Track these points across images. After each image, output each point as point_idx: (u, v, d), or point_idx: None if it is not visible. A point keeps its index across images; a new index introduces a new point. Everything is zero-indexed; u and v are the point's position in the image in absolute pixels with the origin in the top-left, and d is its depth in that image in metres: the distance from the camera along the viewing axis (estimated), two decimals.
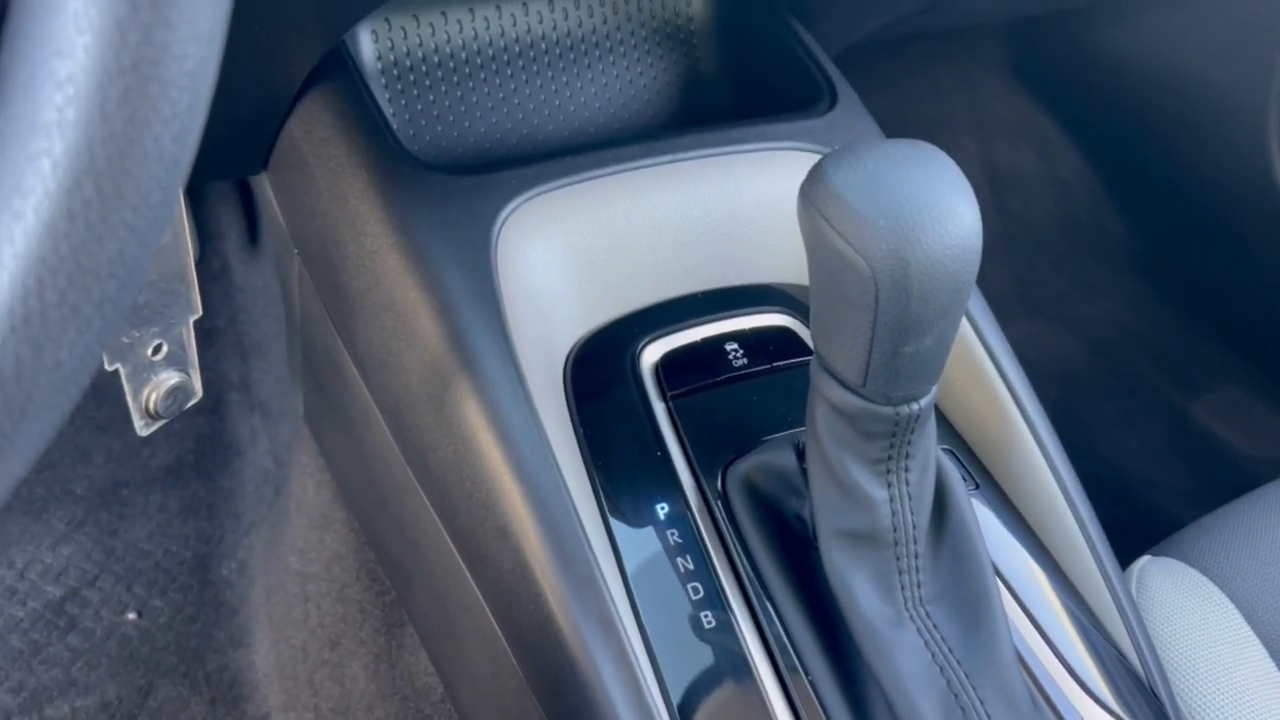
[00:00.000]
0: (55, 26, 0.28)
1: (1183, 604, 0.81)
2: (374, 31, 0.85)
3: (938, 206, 0.53)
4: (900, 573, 0.61)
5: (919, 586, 0.62)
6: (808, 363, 0.71)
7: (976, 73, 1.82)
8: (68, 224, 0.28)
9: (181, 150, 0.30)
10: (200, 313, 0.60)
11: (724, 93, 0.96)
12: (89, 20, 0.27)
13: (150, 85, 0.28)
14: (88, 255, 0.29)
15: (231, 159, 0.86)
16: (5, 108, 0.28)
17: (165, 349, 0.59)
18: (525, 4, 0.91)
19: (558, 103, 0.93)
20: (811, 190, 0.55)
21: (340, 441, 0.99)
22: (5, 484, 0.30)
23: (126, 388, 0.59)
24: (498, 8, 0.90)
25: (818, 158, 0.80)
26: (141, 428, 0.60)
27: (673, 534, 0.66)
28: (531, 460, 0.65)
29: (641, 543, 0.66)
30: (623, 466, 0.68)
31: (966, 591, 0.63)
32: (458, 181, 0.73)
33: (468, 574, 0.72)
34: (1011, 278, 1.74)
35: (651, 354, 0.74)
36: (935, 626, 0.61)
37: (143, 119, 0.28)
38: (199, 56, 0.29)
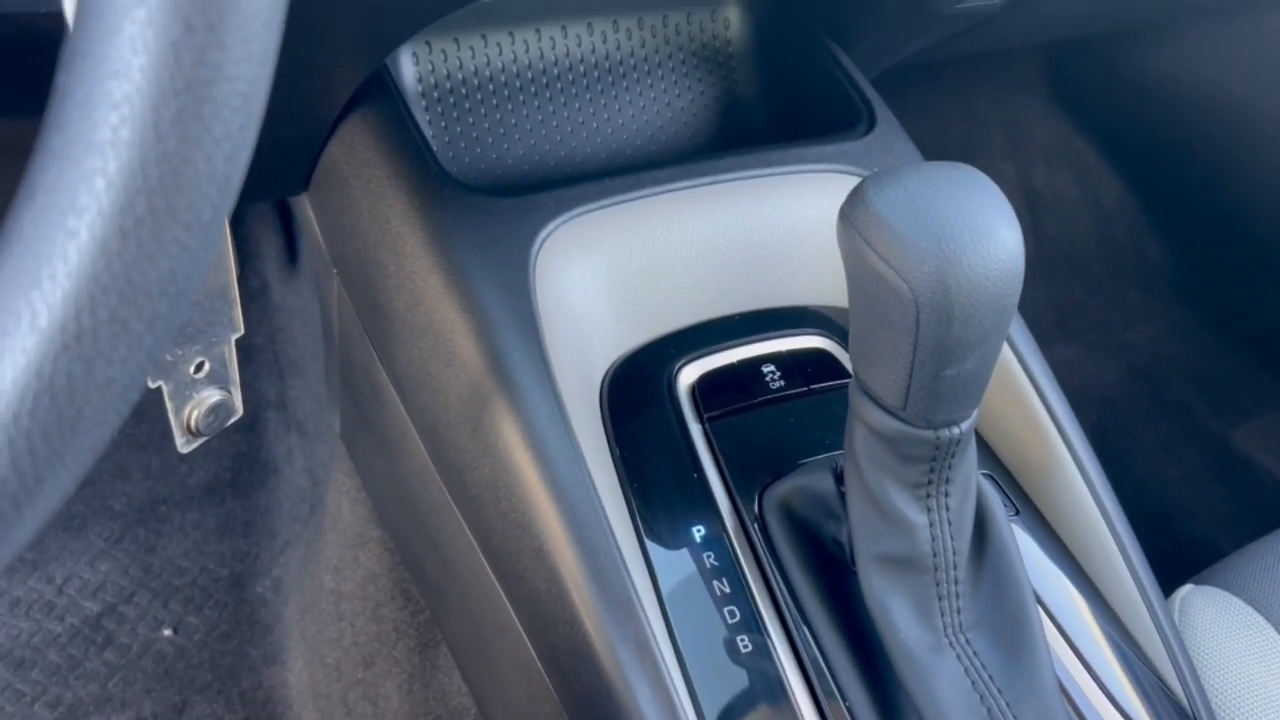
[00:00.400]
0: (112, 48, 0.28)
1: (1227, 633, 0.79)
2: (415, 54, 0.86)
3: (980, 228, 0.53)
4: (940, 598, 0.60)
5: (959, 613, 0.61)
6: (846, 385, 0.71)
7: (1014, 96, 1.81)
8: (121, 242, 0.29)
9: (233, 170, 0.30)
10: (242, 331, 0.60)
11: (762, 115, 0.96)
12: (145, 42, 0.28)
13: (204, 106, 0.29)
14: (140, 273, 0.29)
15: (274, 180, 0.87)
16: (62, 127, 0.29)
17: (207, 367, 0.59)
18: (564, 28, 0.92)
19: (595, 125, 0.93)
20: (852, 212, 0.55)
21: (376, 460, 0.99)
22: (55, 499, 0.30)
23: (169, 405, 0.59)
24: (537, 31, 0.91)
25: (857, 180, 0.80)
26: (183, 445, 0.61)
27: (709, 557, 0.66)
28: (568, 481, 0.65)
29: (677, 565, 0.65)
30: (659, 488, 0.68)
31: (1007, 618, 0.62)
32: (497, 203, 0.74)
33: (503, 594, 0.72)
34: (1050, 302, 1.73)
35: (688, 375, 0.74)
36: (975, 654, 0.61)
37: (196, 139, 0.29)
38: (251, 77, 0.29)
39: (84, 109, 0.28)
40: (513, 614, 0.71)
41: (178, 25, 0.28)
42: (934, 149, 0.86)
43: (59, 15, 0.45)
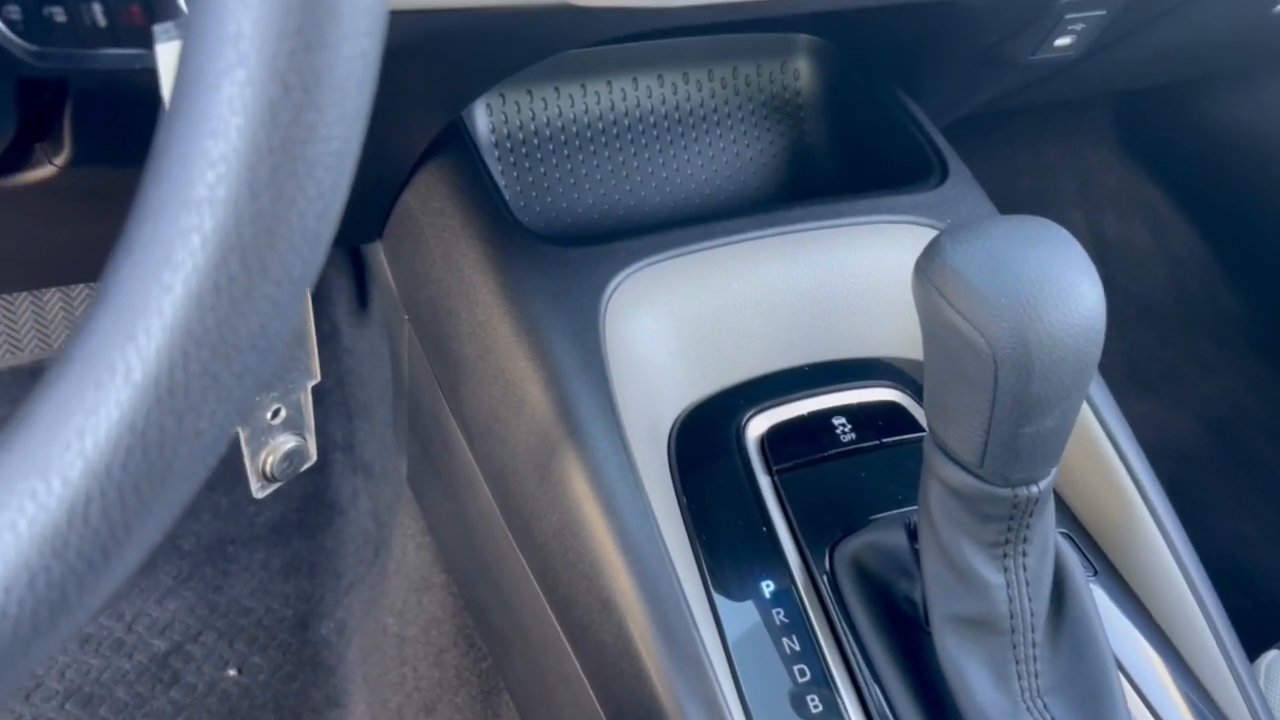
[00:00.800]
0: (210, 108, 0.29)
1: None
2: (488, 106, 0.87)
3: (1060, 284, 0.52)
4: (1017, 662, 0.59)
5: (1036, 676, 0.59)
6: (918, 440, 0.70)
7: (1083, 144, 1.79)
8: (214, 298, 0.29)
9: (324, 227, 0.30)
10: (319, 378, 0.61)
11: (832, 165, 0.96)
12: (243, 103, 0.28)
13: (298, 165, 0.29)
14: (231, 328, 0.29)
15: (349, 227, 0.88)
16: (159, 184, 0.29)
17: (283, 413, 0.60)
18: (635, 79, 0.92)
19: (665, 175, 0.94)
20: (928, 266, 0.54)
21: (442, 505, 1.00)
22: (142, 550, 0.31)
23: (245, 450, 0.60)
24: (608, 83, 0.92)
25: (929, 231, 0.79)
26: (258, 490, 0.62)
27: (778, 613, 0.65)
28: (637, 533, 0.64)
29: (746, 620, 0.64)
30: (727, 541, 0.67)
31: (1086, 683, 0.60)
32: (568, 253, 0.74)
33: (567, 644, 0.71)
34: (1121, 354, 1.70)
35: (757, 426, 0.73)
36: (1054, 719, 0.59)
37: (290, 197, 0.29)
38: (344, 137, 0.30)
39: (181, 166, 0.29)
40: (577, 665, 0.71)
41: (275, 86, 0.28)
42: (1002, 197, 0.86)
43: (152, 72, 0.47)
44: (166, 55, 0.47)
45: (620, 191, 0.92)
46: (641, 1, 0.56)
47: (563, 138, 0.91)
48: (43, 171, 0.67)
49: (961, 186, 0.83)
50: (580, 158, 0.91)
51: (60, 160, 0.66)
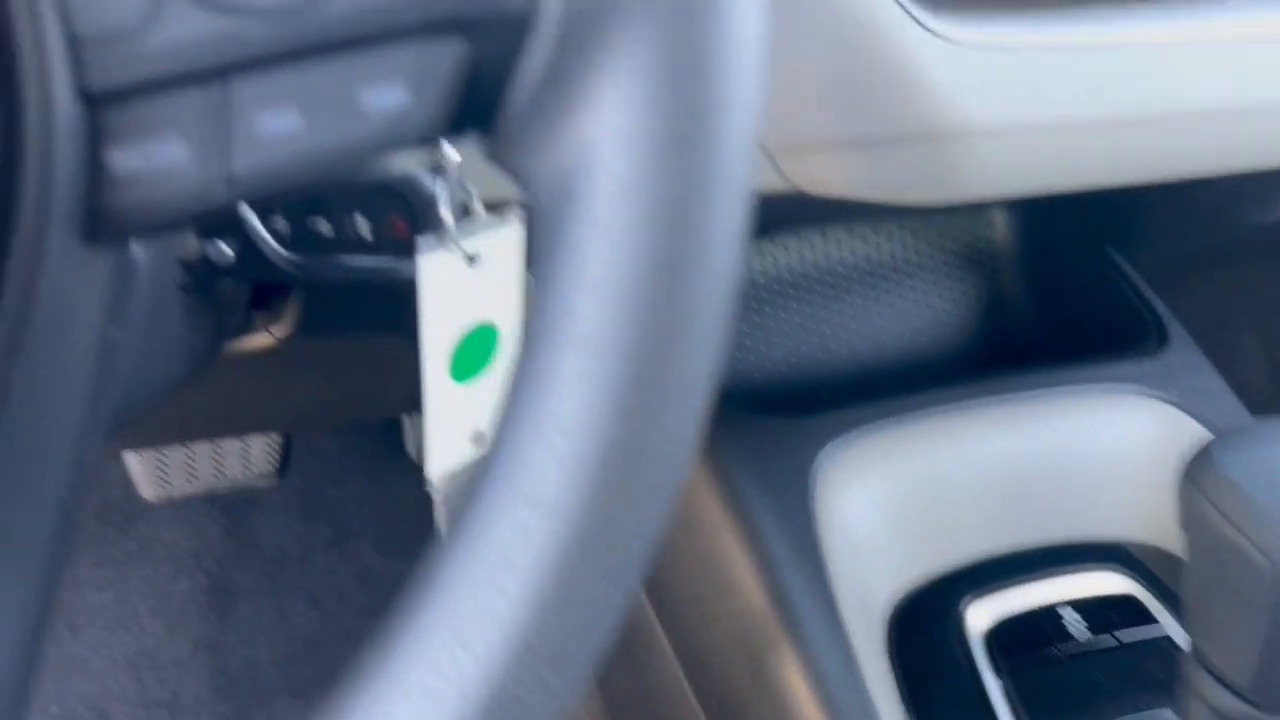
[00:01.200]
0: (560, 405, 0.27)
1: None
2: None
3: None
4: None
5: None
6: (1157, 640, 0.65)
7: (1256, 267, 1.72)
8: (554, 596, 0.27)
9: (663, 520, 0.29)
10: None
11: (1033, 321, 0.92)
12: (597, 403, 0.27)
13: (647, 464, 0.28)
14: (571, 637, 0.28)
15: None
16: (494, 482, 0.28)
17: None
18: (823, 231, 0.91)
19: (855, 327, 0.91)
20: (1199, 474, 0.51)
21: (615, 663, 0.97)
22: None
23: None
24: (796, 235, 0.90)
25: (1156, 403, 0.75)
26: None
27: None
28: None
29: None
30: None
31: None
32: (772, 424, 0.72)
33: None
34: None
35: (979, 616, 0.69)
36: None
37: (638, 498, 0.28)
38: (694, 427, 0.29)
39: (525, 467, 0.27)
40: None
41: (630, 387, 0.27)
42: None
43: (411, 281, 0.46)
44: (428, 267, 0.46)
45: (809, 344, 0.90)
46: (877, 195, 0.54)
47: (750, 291, 0.89)
48: (260, 341, 0.68)
49: (1185, 353, 0.79)
50: (769, 310, 0.90)
51: (280, 333, 0.67)
